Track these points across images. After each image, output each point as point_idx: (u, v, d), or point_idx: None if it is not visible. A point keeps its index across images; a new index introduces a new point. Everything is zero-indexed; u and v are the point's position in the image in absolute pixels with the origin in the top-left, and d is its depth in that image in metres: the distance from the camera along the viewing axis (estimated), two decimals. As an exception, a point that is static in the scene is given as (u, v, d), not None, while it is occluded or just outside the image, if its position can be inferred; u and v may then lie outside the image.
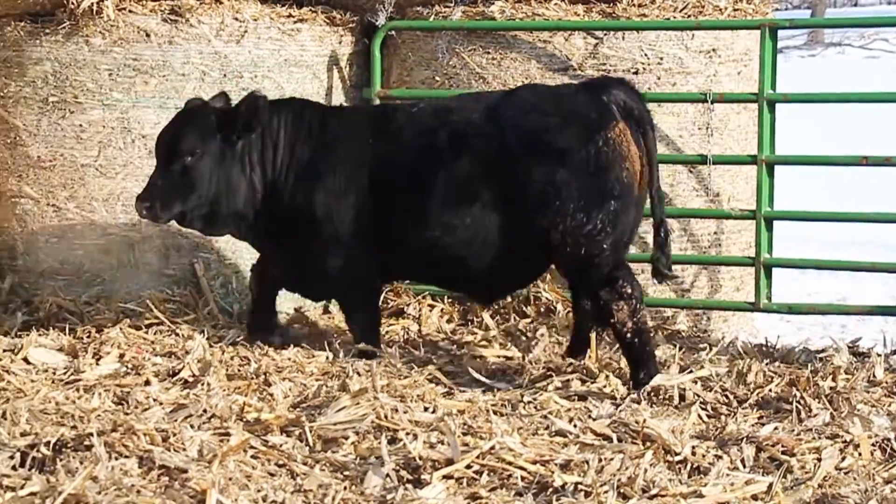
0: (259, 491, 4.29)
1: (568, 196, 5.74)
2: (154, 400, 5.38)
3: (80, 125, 6.97)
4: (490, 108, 6.01)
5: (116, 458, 4.45)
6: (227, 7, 7.09)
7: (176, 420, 5.01)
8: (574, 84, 6.29)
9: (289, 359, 6.09)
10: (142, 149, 6.93)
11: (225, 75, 7.04)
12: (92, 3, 6.78)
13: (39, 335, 6.34)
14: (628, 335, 5.72)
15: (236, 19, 7.06)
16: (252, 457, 4.62)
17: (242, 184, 6.10)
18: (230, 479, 4.32)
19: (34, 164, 7.05)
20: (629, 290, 5.72)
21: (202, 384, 5.58)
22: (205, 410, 5.14)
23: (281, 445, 4.77)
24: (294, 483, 4.43)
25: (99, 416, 5.10)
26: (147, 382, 5.71)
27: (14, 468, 4.46)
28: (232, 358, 6.09)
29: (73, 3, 6.81)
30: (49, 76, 6.96)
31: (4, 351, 6.07)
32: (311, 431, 4.88)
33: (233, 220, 6.17)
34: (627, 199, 5.80)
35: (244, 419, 5.05)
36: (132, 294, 6.94)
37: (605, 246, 5.75)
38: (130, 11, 6.91)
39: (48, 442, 4.60)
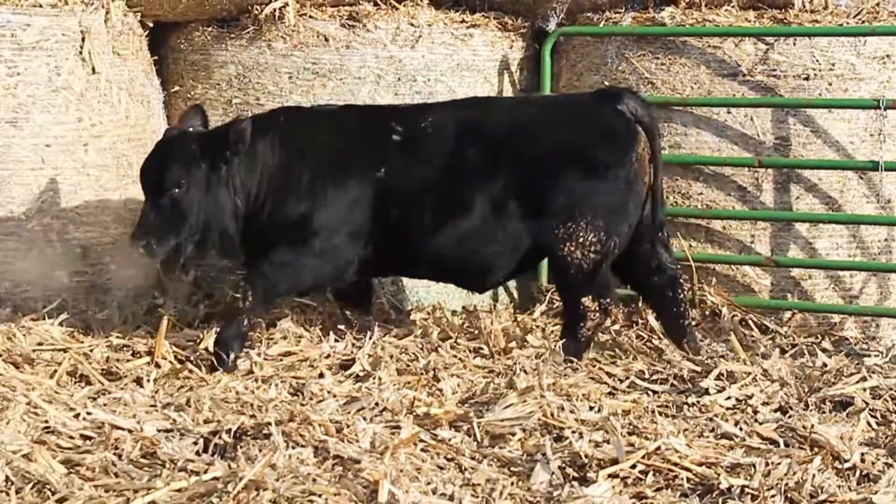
0: (429, 483, 4.40)
1: (593, 207, 6.01)
2: (328, 392, 5.57)
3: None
4: (509, 113, 6.35)
5: (293, 447, 4.62)
6: (403, 13, 7.28)
7: (349, 412, 5.18)
8: (586, 94, 6.64)
9: (454, 356, 6.24)
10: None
11: (399, 79, 7.22)
12: (275, 9, 7.06)
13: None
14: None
15: (411, 24, 7.23)
16: (422, 450, 4.74)
17: (228, 205, 6.10)
18: (401, 470, 4.43)
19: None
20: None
21: (374, 378, 5.75)
22: (376, 404, 5.30)
23: (450, 440, 4.88)
24: (462, 477, 4.52)
25: (276, 406, 5.29)
26: (321, 375, 5.92)
27: (198, 453, 4.69)
28: (402, 353, 6.25)
29: (256, 9, 7.11)
30: (233, 79, 7.26)
31: (187, 342, 6.34)
32: (478, 427, 4.99)
33: (221, 241, 6.19)
34: (639, 207, 6.14)
35: (414, 413, 5.19)
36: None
37: (612, 251, 6.11)
38: (310, 17, 7.17)
39: (229, 429, 4.81)
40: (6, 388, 5.32)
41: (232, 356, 5.99)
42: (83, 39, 6.68)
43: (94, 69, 6.71)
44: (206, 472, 4.39)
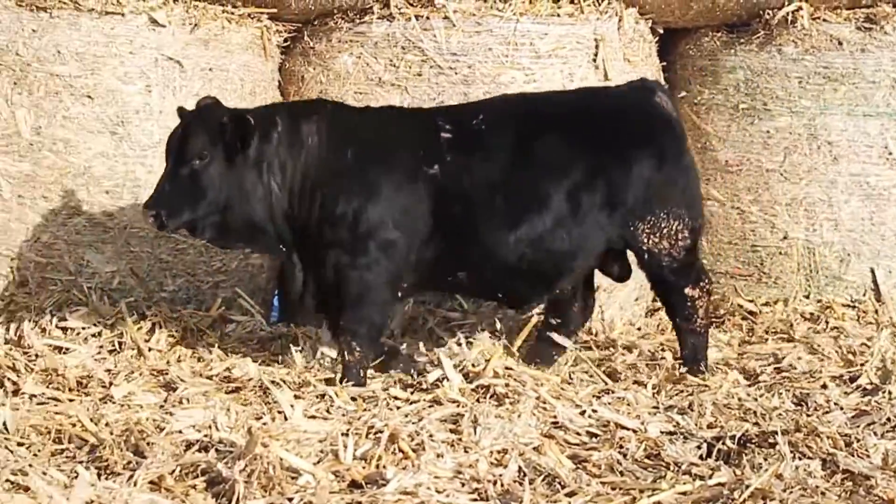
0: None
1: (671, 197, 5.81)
2: (834, 404, 5.42)
3: (767, 131, 7.17)
4: (561, 108, 5.95)
5: (800, 458, 4.55)
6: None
7: (858, 426, 5.01)
8: (623, 87, 6.13)
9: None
10: (826, 155, 7.01)
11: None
12: (787, 13, 6.95)
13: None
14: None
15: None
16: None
17: (258, 192, 5.67)
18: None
19: (721, 168, 7.35)
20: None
21: (883, 392, 5.54)
22: (888, 419, 5.10)
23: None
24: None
25: (780, 415, 5.22)
26: (824, 386, 5.78)
27: (701, 457, 4.71)
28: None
29: (768, 14, 7.05)
30: (741, 84, 7.22)
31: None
32: None
33: (247, 230, 5.74)
34: None
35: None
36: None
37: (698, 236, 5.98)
38: (824, 20, 7.01)
39: (733, 436, 4.79)
40: (517, 382, 5.55)
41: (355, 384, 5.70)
42: (597, 47, 6.87)
43: (606, 75, 6.87)
44: (710, 476, 4.40)
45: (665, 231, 5.84)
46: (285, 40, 7.27)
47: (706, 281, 6.00)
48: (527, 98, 6.21)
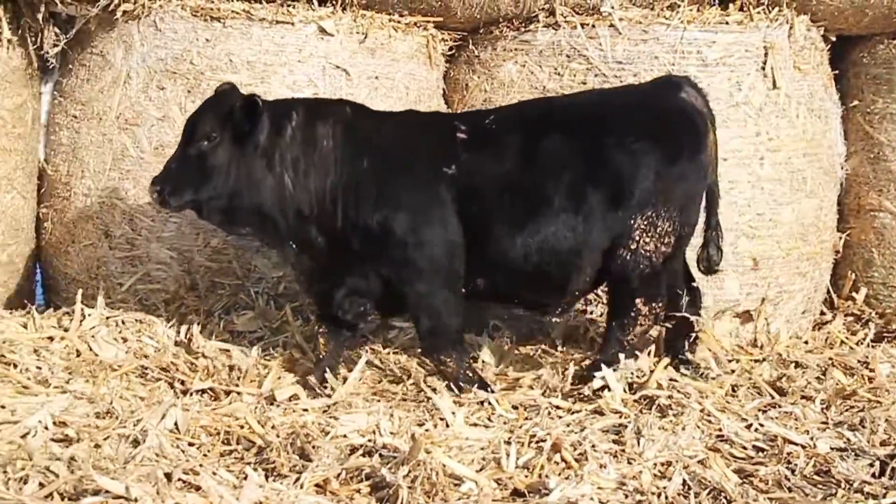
0: None
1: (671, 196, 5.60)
2: None
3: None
4: (583, 110, 5.80)
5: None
6: None
7: None
8: (646, 84, 5.95)
9: None
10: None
11: None
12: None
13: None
14: None
15: None
16: None
17: (268, 181, 5.58)
18: None
19: (894, 179, 7.17)
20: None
21: None
22: None
23: None
24: None
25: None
26: None
27: (874, 476, 4.59)
28: None
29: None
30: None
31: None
32: None
33: (255, 218, 5.66)
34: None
35: None
36: None
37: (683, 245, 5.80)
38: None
39: (910, 452, 4.66)
40: (681, 394, 5.49)
41: (475, 385, 5.66)
42: (766, 55, 6.75)
43: (774, 84, 6.75)
44: (884, 496, 4.32)
45: (657, 231, 5.66)
46: (450, 49, 7.33)
47: (659, 304, 5.78)
48: (548, 100, 6.31)
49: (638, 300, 5.71)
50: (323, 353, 5.82)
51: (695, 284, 6.12)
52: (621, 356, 5.65)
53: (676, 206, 5.66)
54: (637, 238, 5.63)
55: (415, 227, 5.56)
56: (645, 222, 5.62)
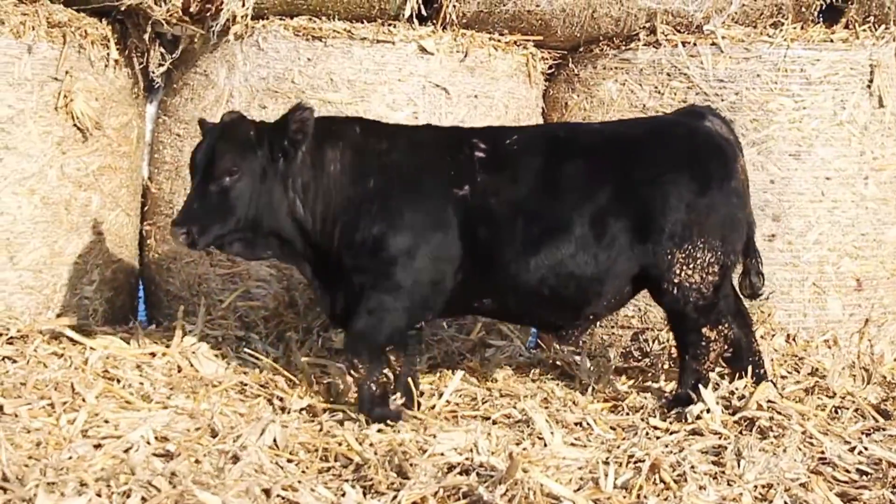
0: None
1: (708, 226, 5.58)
2: None
3: None
4: (605, 137, 5.74)
5: None
6: None
7: None
8: (671, 115, 5.88)
9: None
10: None
11: None
12: None
13: None
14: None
15: None
16: None
17: (284, 205, 5.51)
18: None
19: None
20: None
21: None
22: None
23: None
24: None
25: None
26: None
27: None
28: None
29: None
30: None
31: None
32: None
33: (275, 242, 5.60)
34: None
35: None
36: None
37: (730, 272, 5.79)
38: None
39: None
40: (782, 416, 5.41)
41: (379, 410, 5.52)
42: (872, 73, 6.66)
43: (880, 102, 6.66)
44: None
45: (699, 262, 5.59)
46: (550, 67, 7.34)
47: (725, 325, 5.70)
48: (573, 127, 6.34)
49: (703, 329, 5.69)
50: (397, 369, 5.82)
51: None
52: (700, 386, 5.61)
53: (716, 235, 5.61)
54: (678, 272, 5.59)
55: (409, 247, 5.50)
56: (683, 255, 5.57)
